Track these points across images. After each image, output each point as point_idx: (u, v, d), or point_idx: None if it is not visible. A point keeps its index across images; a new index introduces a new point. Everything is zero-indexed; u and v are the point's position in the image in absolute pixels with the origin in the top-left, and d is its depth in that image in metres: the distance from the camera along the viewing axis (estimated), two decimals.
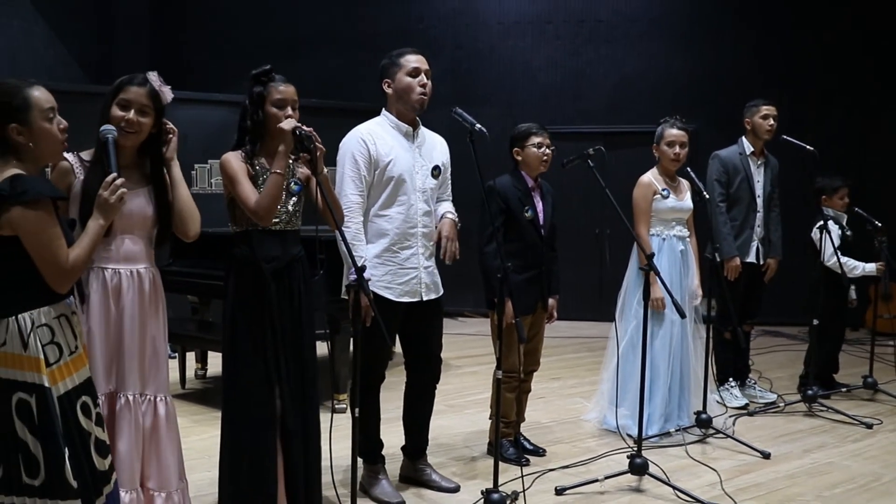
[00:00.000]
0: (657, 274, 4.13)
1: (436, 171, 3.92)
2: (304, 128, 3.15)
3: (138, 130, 2.92)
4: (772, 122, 5.67)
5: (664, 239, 4.97)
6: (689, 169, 4.97)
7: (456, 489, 4.08)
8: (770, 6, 9.25)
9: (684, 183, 5.09)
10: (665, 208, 4.95)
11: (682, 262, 4.99)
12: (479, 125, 3.49)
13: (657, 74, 9.42)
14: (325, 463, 3.32)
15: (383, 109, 3.90)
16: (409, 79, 3.77)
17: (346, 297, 3.42)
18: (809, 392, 5.56)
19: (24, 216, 2.38)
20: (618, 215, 4.20)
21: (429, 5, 9.89)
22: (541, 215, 4.47)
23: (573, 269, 8.08)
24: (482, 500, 3.70)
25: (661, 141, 4.99)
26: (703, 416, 4.90)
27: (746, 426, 5.22)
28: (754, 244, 5.71)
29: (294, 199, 3.36)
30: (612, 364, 4.97)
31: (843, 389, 6.08)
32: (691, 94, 9.21)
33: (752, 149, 5.72)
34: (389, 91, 3.84)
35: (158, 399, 3.03)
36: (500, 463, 3.73)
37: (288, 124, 3.16)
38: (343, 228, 3.37)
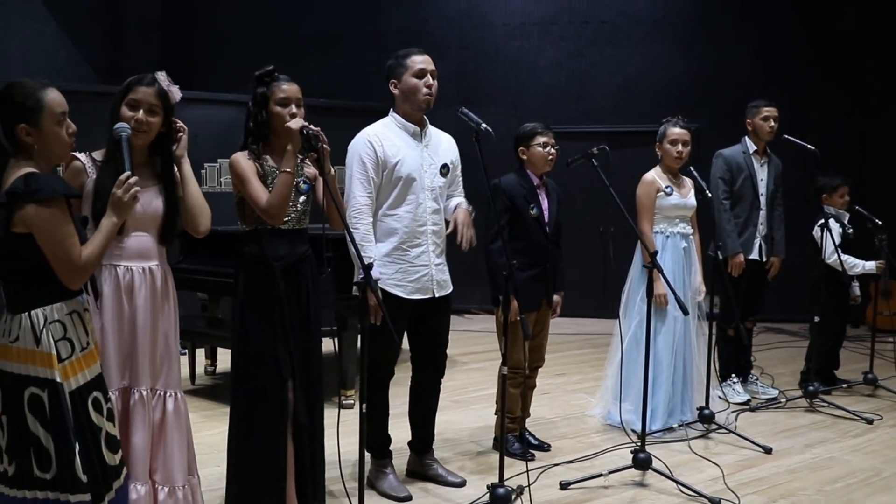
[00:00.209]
0: (660, 272, 4.18)
1: (444, 170, 3.94)
2: (312, 127, 3.17)
3: (147, 130, 2.93)
4: (772, 123, 5.70)
5: (668, 236, 5.00)
6: (691, 168, 5.01)
7: (462, 483, 4.10)
8: (771, 8, 9.27)
9: (687, 181, 5.11)
10: (669, 205, 4.98)
11: (685, 259, 5.01)
12: (484, 125, 3.52)
13: (660, 75, 9.44)
14: (333, 457, 3.33)
15: (391, 110, 3.92)
16: (414, 79, 3.79)
17: (357, 295, 3.46)
18: (811, 388, 5.60)
19: (38, 214, 2.40)
20: (622, 213, 4.22)
21: (435, 7, 9.94)
22: (546, 213, 4.51)
23: (578, 266, 8.14)
24: (488, 495, 3.72)
25: (663, 140, 5.02)
26: (706, 411, 4.93)
27: (748, 421, 5.26)
28: (757, 241, 5.74)
29: (303, 197, 3.38)
30: (616, 360, 4.98)
31: (844, 385, 6.12)
32: (694, 94, 9.23)
33: (754, 148, 5.75)
34: (396, 91, 3.86)
35: (168, 394, 3.05)
36: (506, 458, 3.77)
37: (296, 123, 3.16)
38: (352, 229, 3.39)
